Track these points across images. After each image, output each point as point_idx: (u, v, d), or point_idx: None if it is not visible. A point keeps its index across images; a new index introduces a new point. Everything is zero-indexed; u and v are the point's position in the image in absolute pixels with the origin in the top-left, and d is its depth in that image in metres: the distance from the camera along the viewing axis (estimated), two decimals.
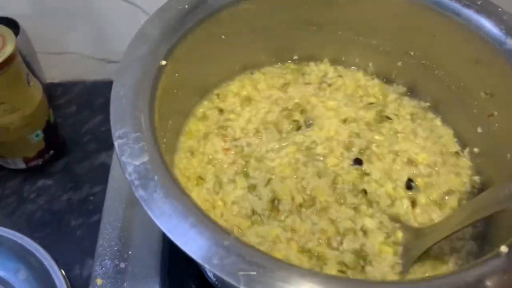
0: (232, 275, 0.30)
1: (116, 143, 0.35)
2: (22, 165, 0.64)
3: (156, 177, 0.34)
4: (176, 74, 0.44)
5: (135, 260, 0.50)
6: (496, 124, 0.47)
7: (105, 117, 0.71)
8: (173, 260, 0.51)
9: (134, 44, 0.42)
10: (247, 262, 0.31)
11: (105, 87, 0.74)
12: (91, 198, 0.63)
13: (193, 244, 0.31)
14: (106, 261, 0.50)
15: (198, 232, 0.32)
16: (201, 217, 0.33)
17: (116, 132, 0.36)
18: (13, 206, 0.62)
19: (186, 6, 0.45)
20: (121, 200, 0.54)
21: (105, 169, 0.60)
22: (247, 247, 0.32)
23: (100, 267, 0.50)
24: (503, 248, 0.33)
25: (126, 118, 0.37)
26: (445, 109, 0.54)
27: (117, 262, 0.50)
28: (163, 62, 0.42)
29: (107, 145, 0.67)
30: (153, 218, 0.32)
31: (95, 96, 0.75)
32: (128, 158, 0.35)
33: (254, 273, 0.30)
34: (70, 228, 0.61)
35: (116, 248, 0.51)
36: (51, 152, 0.65)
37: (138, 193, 0.33)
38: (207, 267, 0.30)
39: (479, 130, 0.49)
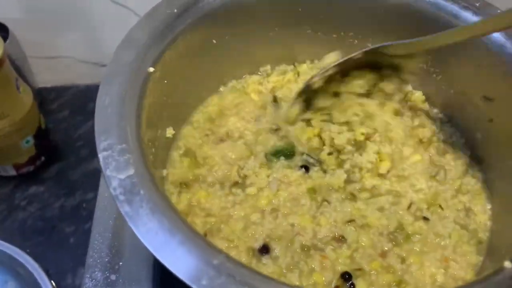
0: None
1: (100, 156, 0.33)
2: (13, 172, 0.62)
3: (142, 192, 0.32)
4: (165, 81, 0.42)
5: (126, 271, 0.48)
6: (496, 130, 0.45)
7: None
8: (165, 271, 0.48)
9: (121, 50, 0.39)
10: (237, 282, 0.29)
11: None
12: (84, 205, 0.62)
13: (180, 263, 0.29)
14: (96, 273, 0.48)
15: (186, 250, 0.30)
16: (189, 234, 0.31)
17: (100, 144, 0.34)
18: (4, 214, 0.60)
19: (176, 10, 0.42)
20: (112, 210, 0.52)
21: (99, 174, 0.59)
22: (238, 266, 0.30)
23: (90, 279, 0.48)
24: (507, 264, 0.31)
25: (112, 129, 0.35)
26: (444, 114, 0.52)
27: (107, 274, 0.48)
28: (151, 69, 0.39)
29: None
30: (138, 235, 0.30)
31: (88, 100, 0.73)
32: (113, 171, 0.32)
33: None
34: (62, 235, 0.59)
35: (106, 260, 0.49)
36: (43, 158, 0.64)
37: (123, 210, 0.31)
38: None
39: (478, 135, 0.47)
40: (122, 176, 0.32)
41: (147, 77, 0.39)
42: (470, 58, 0.46)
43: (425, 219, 0.44)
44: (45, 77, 0.73)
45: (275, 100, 0.53)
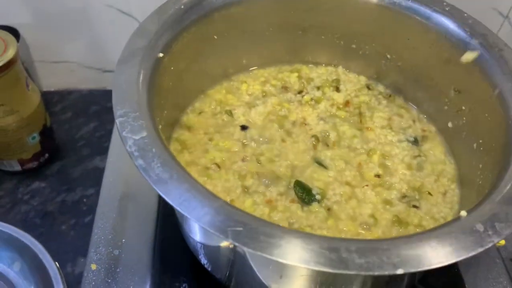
0: (221, 231, 0.35)
1: (117, 121, 0.41)
2: (18, 167, 0.67)
3: (154, 150, 0.39)
4: (172, 68, 0.50)
5: (129, 247, 0.54)
6: (464, 118, 0.54)
7: (100, 124, 0.77)
8: (166, 247, 0.55)
9: (135, 37, 0.48)
10: (235, 220, 0.36)
11: (100, 95, 0.81)
12: (84, 200, 0.67)
13: (187, 205, 0.36)
14: (100, 248, 0.54)
15: (192, 196, 0.37)
16: (194, 184, 0.38)
17: (117, 111, 0.41)
18: (7, 207, 0.66)
19: (182, 7, 0.51)
20: (116, 193, 0.59)
21: (98, 172, 0.65)
22: (235, 209, 0.37)
23: (95, 253, 0.54)
24: (463, 213, 0.39)
25: (127, 100, 0.42)
26: (420, 107, 0.61)
27: (111, 249, 0.54)
28: (160, 54, 0.48)
29: (101, 150, 0.72)
30: (151, 183, 0.37)
31: (90, 104, 0.79)
32: (129, 133, 0.40)
33: (241, 228, 0.35)
34: (63, 228, 0.64)
35: (110, 237, 0.55)
36: (47, 155, 0.69)
37: (137, 162, 0.38)
38: (199, 224, 0.35)
39: (450, 125, 0.56)
40: (136, 137, 0.39)
41: (157, 62, 0.47)
42: (439, 52, 0.54)
43: None
44: (49, 81, 0.79)
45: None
